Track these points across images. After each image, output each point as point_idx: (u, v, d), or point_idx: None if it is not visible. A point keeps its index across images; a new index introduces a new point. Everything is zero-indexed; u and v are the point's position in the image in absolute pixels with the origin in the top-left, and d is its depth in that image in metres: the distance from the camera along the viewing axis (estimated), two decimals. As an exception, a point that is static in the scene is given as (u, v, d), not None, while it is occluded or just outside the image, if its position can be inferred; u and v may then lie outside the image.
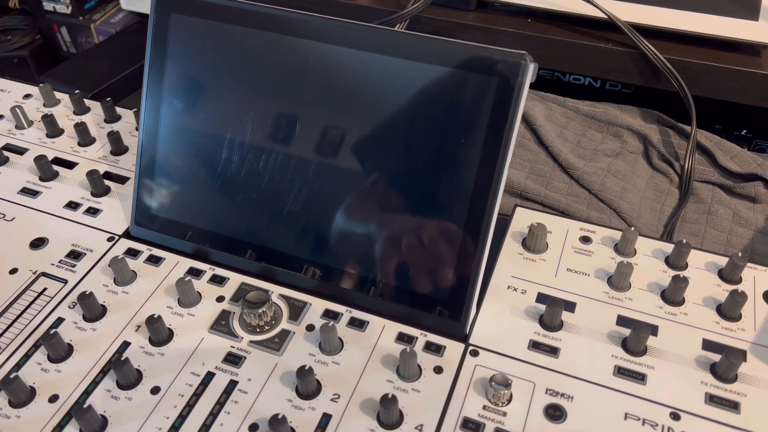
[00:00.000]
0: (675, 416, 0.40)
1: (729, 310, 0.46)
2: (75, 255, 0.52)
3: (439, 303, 0.45)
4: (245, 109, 0.48)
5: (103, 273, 0.50)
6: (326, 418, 0.41)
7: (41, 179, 0.58)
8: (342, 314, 0.47)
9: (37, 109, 0.67)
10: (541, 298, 0.47)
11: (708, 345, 0.44)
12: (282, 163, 0.48)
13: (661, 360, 0.43)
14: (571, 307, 0.47)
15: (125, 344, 0.45)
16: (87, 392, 0.42)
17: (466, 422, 0.40)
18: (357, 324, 0.46)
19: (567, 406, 0.41)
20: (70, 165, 0.60)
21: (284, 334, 0.45)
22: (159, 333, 0.45)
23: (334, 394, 0.42)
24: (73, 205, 0.56)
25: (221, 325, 0.46)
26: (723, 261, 0.50)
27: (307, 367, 0.41)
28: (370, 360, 0.44)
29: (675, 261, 0.49)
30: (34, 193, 0.57)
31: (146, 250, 0.52)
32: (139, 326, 0.46)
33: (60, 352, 0.44)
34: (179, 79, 0.50)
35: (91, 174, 0.56)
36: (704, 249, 0.51)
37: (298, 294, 0.48)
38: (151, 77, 0.50)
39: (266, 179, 0.48)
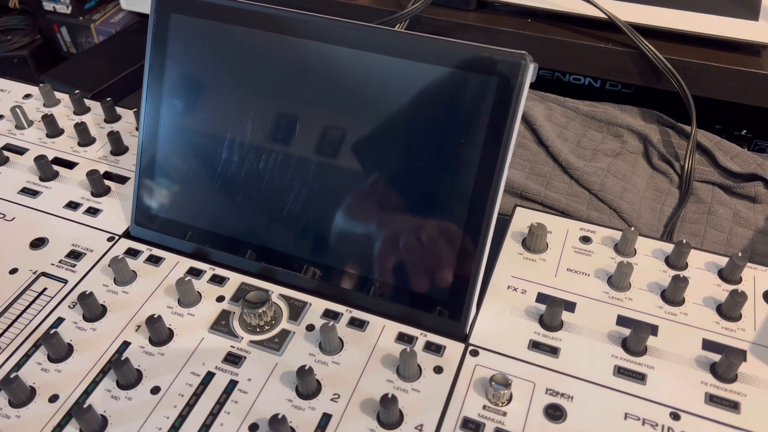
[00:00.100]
0: (675, 416, 0.40)
1: (729, 310, 0.46)
2: (75, 255, 0.52)
3: (439, 303, 0.45)
4: (245, 109, 0.48)
5: (103, 273, 0.50)
6: (326, 418, 0.41)
7: (41, 179, 0.58)
8: (342, 314, 0.47)
9: (37, 109, 0.67)
10: (541, 298, 0.47)
11: (708, 345, 0.44)
12: (282, 163, 0.48)
13: (661, 360, 0.43)
14: (571, 307, 0.47)
15: (125, 344, 0.45)
16: (87, 392, 0.42)
17: (466, 422, 0.40)
18: (357, 324, 0.46)
19: (567, 406, 0.41)
20: (70, 165, 0.60)
21: (284, 334, 0.45)
22: (159, 333, 0.45)
23: (334, 394, 0.42)
24: (73, 205, 0.56)
25: (221, 325, 0.46)
26: (723, 261, 0.50)
27: (307, 367, 0.41)
28: (370, 360, 0.44)
29: (675, 261, 0.49)
30: (34, 193, 0.57)
31: (146, 250, 0.52)
32: (139, 326, 0.46)
33: (60, 352, 0.44)
34: (179, 79, 0.50)
35: (91, 174, 0.56)
36: (704, 249, 0.51)
37: (298, 294, 0.48)
38: (151, 77, 0.50)
39: (266, 179, 0.48)
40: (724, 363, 0.42)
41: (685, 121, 0.70)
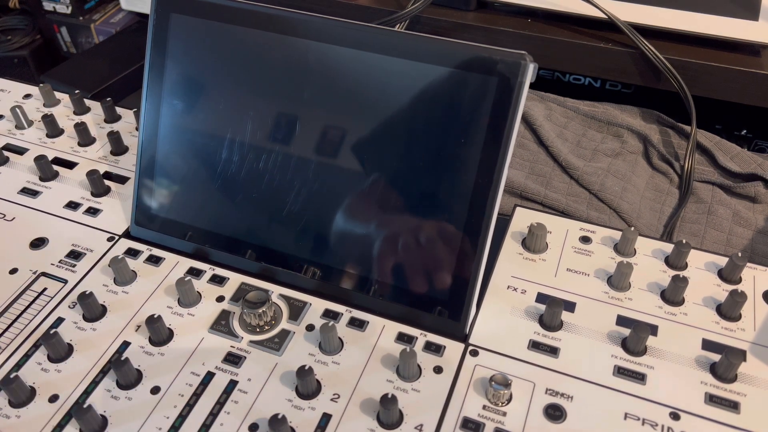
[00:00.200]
0: (675, 416, 0.40)
1: (729, 310, 0.46)
2: (75, 255, 0.52)
3: (439, 303, 0.45)
4: (245, 109, 0.48)
5: (103, 273, 0.50)
6: (326, 418, 0.41)
7: (41, 179, 0.58)
8: (342, 314, 0.47)
9: (37, 109, 0.67)
10: (541, 298, 0.47)
11: (708, 345, 0.44)
12: (282, 163, 0.48)
13: (661, 360, 0.43)
14: (571, 307, 0.47)
15: (125, 344, 0.45)
16: (87, 392, 0.42)
17: (466, 422, 0.40)
18: (357, 324, 0.46)
19: (567, 406, 0.41)
20: (70, 165, 0.60)
21: (284, 334, 0.45)
22: (159, 333, 0.45)
23: (334, 394, 0.42)
24: (73, 205, 0.56)
25: (221, 325, 0.46)
26: (723, 261, 0.50)
27: (307, 367, 0.41)
28: (370, 360, 0.44)
29: (675, 261, 0.49)
30: (34, 193, 0.57)
31: (146, 250, 0.52)
32: (139, 326, 0.46)
33: (60, 352, 0.44)
34: (179, 79, 0.50)
35: (91, 174, 0.56)
36: (704, 249, 0.51)
37: (298, 294, 0.48)
38: (151, 77, 0.50)
39: (266, 179, 0.48)
40: (724, 363, 0.42)
41: (685, 121, 0.70)
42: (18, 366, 0.44)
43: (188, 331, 0.46)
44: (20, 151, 0.62)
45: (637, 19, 0.72)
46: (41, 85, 0.67)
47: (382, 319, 0.46)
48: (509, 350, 0.44)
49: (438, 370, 0.43)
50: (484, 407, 0.41)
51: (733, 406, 0.41)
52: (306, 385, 0.41)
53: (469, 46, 0.42)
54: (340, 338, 0.45)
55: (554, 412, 0.41)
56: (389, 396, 0.39)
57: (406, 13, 0.73)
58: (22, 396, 0.42)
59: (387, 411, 0.39)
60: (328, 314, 0.47)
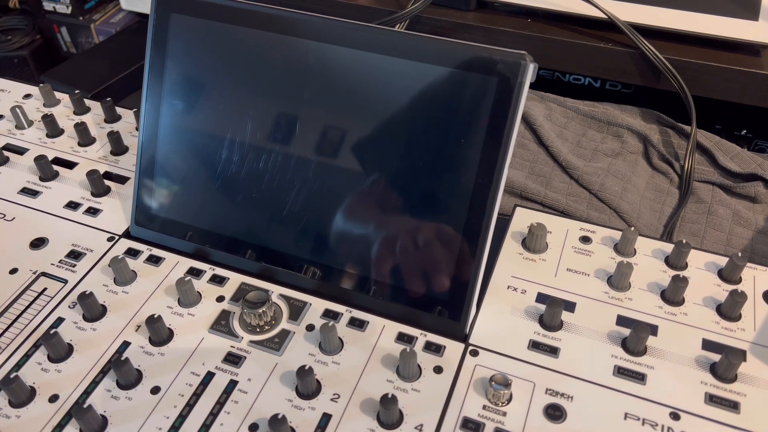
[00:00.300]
0: (675, 416, 0.40)
1: (729, 310, 0.46)
2: (75, 255, 0.52)
3: (439, 303, 0.45)
4: (245, 109, 0.48)
5: (103, 273, 0.50)
6: (326, 418, 0.41)
7: (41, 179, 0.58)
8: (342, 314, 0.47)
9: (37, 109, 0.67)
10: (541, 298, 0.47)
11: (708, 345, 0.44)
12: (282, 163, 0.48)
13: (661, 360, 0.43)
14: (571, 307, 0.47)
15: (125, 344, 0.45)
16: (87, 392, 0.42)
17: (466, 422, 0.40)
18: (357, 324, 0.46)
19: (567, 406, 0.41)
20: (70, 165, 0.60)
21: (284, 334, 0.45)
22: (159, 333, 0.45)
23: (334, 394, 0.42)
24: (73, 205, 0.56)
25: (221, 325, 0.46)
26: (723, 261, 0.50)
27: (307, 367, 0.41)
28: (370, 360, 0.44)
29: (675, 261, 0.49)
30: (34, 193, 0.57)
31: (146, 250, 0.52)
32: (139, 326, 0.46)
33: (60, 352, 0.44)
34: (179, 79, 0.50)
35: (91, 174, 0.56)
36: (704, 249, 0.51)
37: (298, 294, 0.48)
38: (151, 77, 0.50)
39: (266, 179, 0.48)
40: (724, 363, 0.42)
41: (685, 121, 0.70)
42: (18, 366, 0.44)
43: (188, 331, 0.46)
44: (20, 151, 0.62)
45: (637, 19, 0.72)
46: (41, 85, 0.67)
47: (382, 319, 0.46)
48: (509, 350, 0.44)
49: (438, 370, 0.43)
50: (484, 407, 0.41)
51: (733, 406, 0.41)
52: (306, 385, 0.41)
53: (469, 46, 0.42)
54: (340, 338, 0.45)
55: (554, 412, 0.41)
56: (389, 396, 0.39)
57: (406, 13, 0.73)
58: (22, 396, 0.42)
59: (387, 411, 0.39)
60: (328, 314, 0.47)
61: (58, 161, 0.60)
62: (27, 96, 0.69)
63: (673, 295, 0.47)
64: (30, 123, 0.65)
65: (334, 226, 0.47)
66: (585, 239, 0.52)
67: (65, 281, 0.50)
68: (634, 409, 0.41)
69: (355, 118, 0.46)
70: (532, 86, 0.44)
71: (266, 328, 0.46)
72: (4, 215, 0.55)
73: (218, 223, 0.51)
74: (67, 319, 0.47)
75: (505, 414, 0.41)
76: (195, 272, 0.50)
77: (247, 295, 0.46)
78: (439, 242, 0.45)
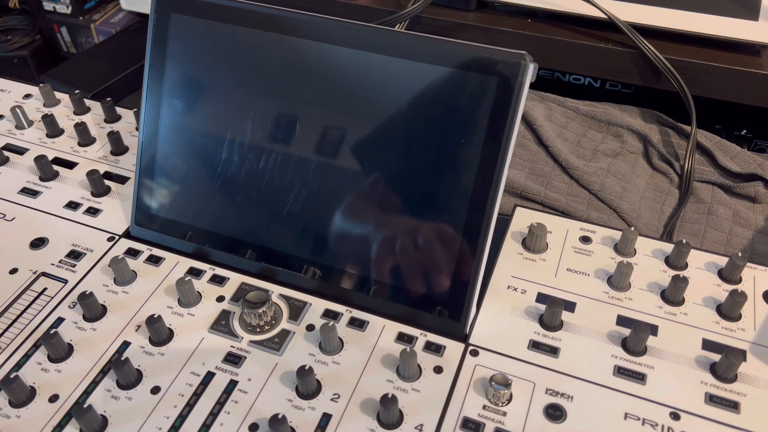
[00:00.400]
0: (675, 416, 0.40)
1: (729, 310, 0.46)
2: (75, 255, 0.52)
3: (439, 303, 0.45)
4: (245, 109, 0.48)
5: (103, 273, 0.50)
6: (326, 417, 0.41)
7: (41, 179, 0.58)
8: (342, 314, 0.47)
9: (37, 109, 0.67)
10: (541, 298, 0.47)
11: (708, 345, 0.44)
12: (282, 163, 0.48)
13: (661, 360, 0.43)
14: (571, 307, 0.47)
15: (125, 344, 0.45)
16: (87, 392, 0.42)
17: (466, 422, 0.40)
18: (357, 324, 0.46)
19: (567, 406, 0.41)
20: (70, 165, 0.60)
21: (284, 334, 0.45)
22: (159, 333, 0.45)
23: (334, 394, 0.42)
24: (73, 205, 0.56)
25: (221, 325, 0.46)
26: (723, 261, 0.50)
27: (307, 367, 0.41)
28: (370, 360, 0.44)
29: (675, 261, 0.49)
30: (34, 193, 0.57)
31: (146, 250, 0.52)
32: (139, 326, 0.46)
33: (60, 352, 0.44)
34: (179, 79, 0.50)
35: (91, 174, 0.56)
36: (704, 249, 0.51)
37: (298, 294, 0.48)
38: (151, 77, 0.50)
39: (266, 179, 0.48)
40: (724, 363, 0.42)
41: (685, 121, 0.70)
42: (18, 366, 0.44)
43: (188, 331, 0.46)
44: (20, 151, 0.62)
45: (637, 19, 0.72)
46: (41, 85, 0.67)
47: (382, 319, 0.46)
48: (509, 350, 0.44)
49: (438, 370, 0.43)
50: (484, 407, 0.41)
51: (733, 406, 0.41)
52: (306, 385, 0.41)
53: (469, 46, 0.42)
54: (340, 338, 0.45)
55: (554, 412, 0.41)
56: (389, 396, 0.39)
57: (406, 13, 0.73)
58: (22, 396, 0.42)
59: (387, 411, 0.39)
60: (328, 314, 0.47)
61: (58, 161, 0.60)
62: (27, 96, 0.69)
63: (673, 295, 0.47)
64: (30, 123, 0.65)
65: (334, 226, 0.47)
66: (585, 239, 0.52)
67: (65, 281, 0.50)
68: (634, 409, 0.41)
69: (355, 118, 0.46)
70: (532, 86, 0.44)
71: (266, 328, 0.46)
72: (4, 215, 0.55)
73: (218, 223, 0.51)
74: (67, 319, 0.47)
75: (505, 414, 0.41)
76: (195, 272, 0.50)
77: (247, 295, 0.46)
78: (439, 242, 0.45)
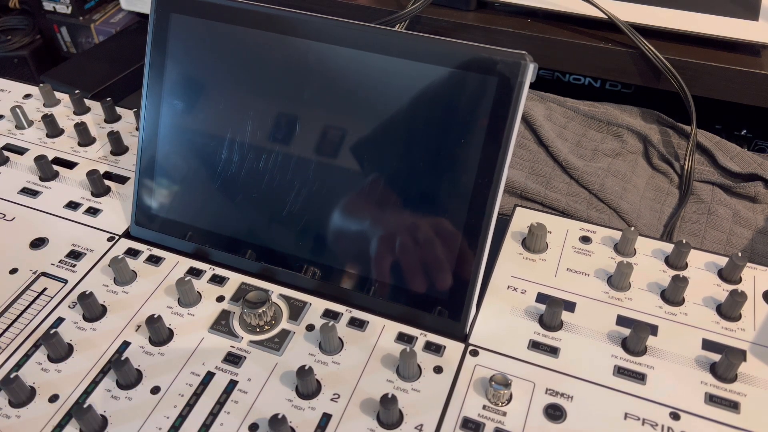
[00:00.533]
0: (675, 416, 0.40)
1: (729, 310, 0.46)
2: (75, 255, 0.52)
3: (439, 303, 0.45)
4: (245, 109, 0.48)
5: (103, 273, 0.50)
6: (326, 417, 0.41)
7: (41, 179, 0.58)
8: (342, 314, 0.47)
9: (37, 109, 0.67)
10: (541, 297, 0.47)
11: (708, 345, 0.44)
12: (282, 163, 0.48)
13: (661, 360, 0.43)
14: (571, 307, 0.47)
15: (125, 344, 0.45)
16: (87, 392, 0.42)
17: (466, 422, 0.40)
18: (357, 324, 0.46)
19: (567, 405, 0.41)
20: (70, 165, 0.60)
21: (284, 334, 0.45)
22: (159, 333, 0.45)
23: (334, 394, 0.42)
24: (73, 205, 0.56)
25: (221, 325, 0.46)
26: (723, 261, 0.50)
27: (307, 367, 0.41)
28: (370, 360, 0.44)
29: (675, 261, 0.49)
30: (34, 193, 0.57)
31: (146, 250, 0.52)
32: (139, 326, 0.46)
33: (60, 352, 0.44)
34: (179, 79, 0.50)
35: (91, 174, 0.56)
36: (704, 249, 0.51)
37: (298, 294, 0.48)
38: (151, 77, 0.50)
39: (266, 179, 0.48)
40: (724, 363, 0.42)
41: (685, 121, 0.70)
42: (18, 366, 0.44)
43: (188, 331, 0.46)
44: (20, 151, 0.62)
45: (637, 19, 0.72)
46: (41, 85, 0.67)
47: (382, 319, 0.46)
48: (509, 350, 0.44)
49: (438, 370, 0.43)
50: (484, 407, 0.41)
51: (733, 406, 0.41)
52: (306, 385, 0.41)
53: (469, 46, 0.42)
54: (340, 338, 0.45)
55: (554, 412, 0.41)
56: (389, 396, 0.39)
57: (406, 13, 0.73)
58: (22, 396, 0.42)
59: (387, 411, 0.39)
60: (328, 314, 0.47)
61: (58, 161, 0.60)
62: (27, 96, 0.69)
63: (673, 295, 0.47)
64: (30, 123, 0.65)
65: (334, 226, 0.47)
66: (585, 239, 0.52)
67: (65, 281, 0.50)
68: (634, 409, 0.41)
69: (355, 118, 0.46)
70: (532, 86, 0.44)
71: (266, 328, 0.46)
72: (4, 215, 0.55)
73: (218, 223, 0.51)
74: (67, 319, 0.47)
75: (505, 414, 0.41)
76: (195, 272, 0.50)
77: (247, 295, 0.46)
78: (439, 242, 0.45)
